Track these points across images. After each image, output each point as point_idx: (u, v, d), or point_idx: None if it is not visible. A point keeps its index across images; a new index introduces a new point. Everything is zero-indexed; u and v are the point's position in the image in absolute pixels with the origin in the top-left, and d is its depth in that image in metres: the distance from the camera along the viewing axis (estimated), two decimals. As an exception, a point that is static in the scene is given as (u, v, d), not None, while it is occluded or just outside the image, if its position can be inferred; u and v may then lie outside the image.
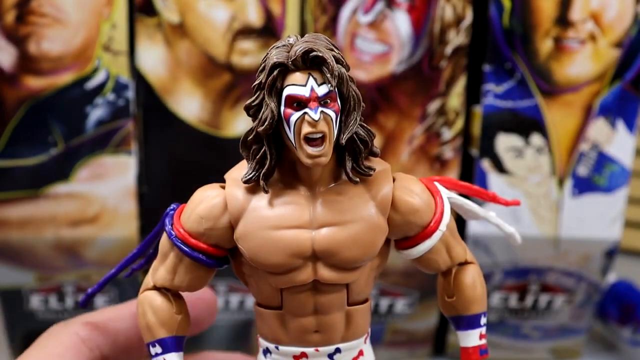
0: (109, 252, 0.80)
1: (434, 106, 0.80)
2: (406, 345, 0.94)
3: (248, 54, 0.77)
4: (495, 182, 0.81)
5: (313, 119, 0.48)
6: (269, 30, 0.77)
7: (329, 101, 0.49)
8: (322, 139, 0.49)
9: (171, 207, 0.55)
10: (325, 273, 0.51)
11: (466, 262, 0.57)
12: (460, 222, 0.82)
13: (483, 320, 0.56)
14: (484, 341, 0.56)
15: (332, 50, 0.49)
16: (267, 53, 0.50)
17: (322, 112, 0.48)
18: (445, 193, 0.55)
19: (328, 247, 0.50)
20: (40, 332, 0.87)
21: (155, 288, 0.56)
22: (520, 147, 0.81)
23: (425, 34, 0.78)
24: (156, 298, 0.55)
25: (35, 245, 0.80)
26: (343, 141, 0.50)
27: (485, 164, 0.81)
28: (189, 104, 0.78)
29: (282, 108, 0.49)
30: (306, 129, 0.48)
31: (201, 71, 0.78)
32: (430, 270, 0.56)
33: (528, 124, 0.80)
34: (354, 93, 0.50)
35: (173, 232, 0.54)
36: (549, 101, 0.80)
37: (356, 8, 0.78)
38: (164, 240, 0.55)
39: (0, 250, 0.81)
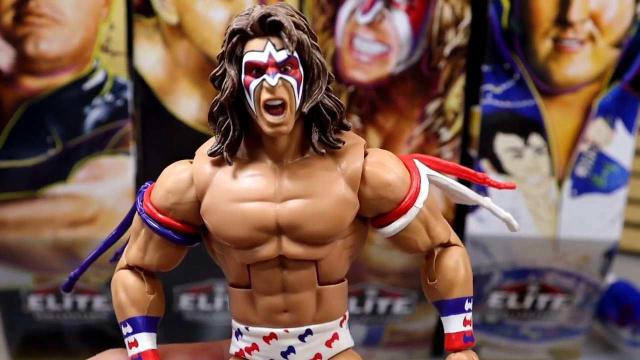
0: (107, 253, 0.80)
1: (432, 107, 0.80)
2: (405, 346, 0.94)
3: (246, 55, 0.77)
4: (494, 183, 0.81)
5: (271, 85, 0.47)
6: (268, 31, 0.77)
7: (289, 68, 0.48)
8: (283, 106, 0.48)
9: (144, 185, 0.55)
10: (291, 248, 0.50)
11: (450, 244, 0.55)
12: (458, 222, 0.82)
13: (468, 306, 0.54)
14: (468, 327, 0.54)
15: (292, 16, 0.48)
16: (230, 23, 0.49)
17: (280, 78, 0.48)
18: (424, 170, 0.54)
19: (292, 220, 0.50)
20: (38, 333, 0.88)
21: (128, 267, 0.55)
22: (519, 148, 0.81)
23: (423, 34, 0.78)
24: (128, 277, 0.55)
25: (33, 246, 0.80)
26: (306, 110, 0.49)
27: (484, 165, 0.81)
28: (187, 105, 0.78)
29: (243, 76, 0.48)
30: (265, 95, 0.48)
31: (199, 71, 0.78)
32: (410, 251, 0.54)
33: (527, 125, 0.80)
34: (317, 61, 0.49)
35: (143, 209, 0.53)
36: (548, 102, 0.80)
37: (355, 8, 0.77)
38: (135, 218, 0.55)
39: (-2, 251, 0.81)
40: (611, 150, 0.81)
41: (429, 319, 0.91)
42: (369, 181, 0.51)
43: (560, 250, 0.84)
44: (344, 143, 0.51)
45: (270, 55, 0.48)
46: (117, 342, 0.87)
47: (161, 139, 0.79)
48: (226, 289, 0.85)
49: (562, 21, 0.78)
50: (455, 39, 0.79)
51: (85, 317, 0.87)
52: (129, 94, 0.78)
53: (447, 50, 0.79)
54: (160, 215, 0.53)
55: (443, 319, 0.55)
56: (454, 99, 0.80)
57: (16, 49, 0.75)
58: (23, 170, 0.78)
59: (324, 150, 0.50)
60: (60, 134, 0.78)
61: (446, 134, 0.81)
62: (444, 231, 0.54)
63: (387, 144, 0.80)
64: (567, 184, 0.82)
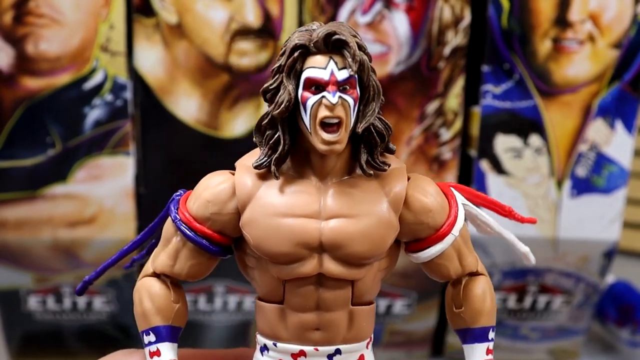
0: (106, 253, 0.80)
1: (432, 107, 0.80)
2: (404, 346, 0.94)
3: (246, 55, 0.77)
4: (494, 183, 0.81)
5: (331, 103, 0.47)
6: (267, 31, 0.77)
7: (348, 87, 0.48)
8: (339, 125, 0.48)
9: (177, 193, 0.54)
10: (331, 266, 0.50)
11: (477, 273, 0.55)
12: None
13: (491, 335, 0.55)
14: (490, 356, 0.55)
15: (355, 36, 0.49)
16: (289, 37, 0.49)
17: (340, 97, 0.48)
18: (460, 199, 0.54)
19: (336, 239, 0.49)
20: (38, 333, 0.88)
21: (154, 275, 0.55)
22: (518, 148, 0.81)
23: (423, 34, 0.78)
24: (154, 284, 0.54)
25: (33, 246, 0.80)
26: (360, 130, 0.49)
27: (484, 165, 0.81)
28: (187, 105, 0.78)
29: (300, 91, 0.48)
30: (323, 112, 0.48)
31: (199, 72, 0.78)
32: (440, 278, 0.55)
33: (527, 125, 0.80)
34: (374, 83, 0.49)
35: (178, 216, 0.53)
36: (547, 102, 0.80)
37: (354, 8, 0.77)
38: (167, 225, 0.54)
39: (-2, 251, 0.81)
40: (611, 150, 0.81)
41: (429, 319, 0.91)
42: (411, 205, 0.52)
43: (560, 251, 0.84)
44: (389, 166, 0.51)
45: (332, 73, 0.48)
46: (117, 342, 0.88)
47: (161, 139, 0.79)
48: (226, 289, 0.85)
49: (562, 21, 0.78)
50: (454, 39, 0.79)
51: (85, 317, 0.87)
52: (128, 94, 0.78)
53: (446, 50, 0.79)
54: (197, 224, 0.52)
55: (466, 346, 0.55)
56: (454, 99, 0.80)
57: (16, 49, 0.75)
58: (22, 170, 0.78)
59: (372, 172, 0.50)
60: (60, 134, 0.78)
61: (446, 134, 0.81)
62: (474, 260, 0.55)
63: (387, 144, 0.80)
64: (567, 184, 0.82)
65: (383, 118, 0.51)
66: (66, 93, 0.77)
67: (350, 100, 0.48)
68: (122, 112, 0.78)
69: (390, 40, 0.78)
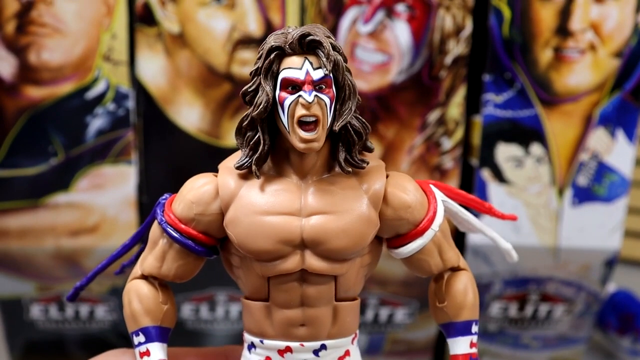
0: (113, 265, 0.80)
1: (433, 116, 0.80)
2: (406, 355, 0.94)
3: (248, 64, 0.77)
4: (495, 192, 0.81)
5: (307, 101, 0.49)
6: (269, 40, 0.77)
7: (323, 86, 0.50)
8: (316, 123, 0.49)
9: (163, 197, 0.56)
10: (314, 262, 0.51)
11: (459, 269, 0.57)
12: (459, 232, 0.82)
13: (474, 328, 0.56)
14: (474, 350, 0.56)
15: (329, 37, 0.50)
16: (266, 40, 0.51)
17: (316, 96, 0.49)
18: (439, 195, 0.56)
19: (317, 235, 0.51)
20: (40, 341, 0.88)
21: (142, 277, 0.56)
22: (520, 157, 0.81)
23: (425, 43, 0.78)
24: (143, 286, 0.56)
25: (35, 255, 0.80)
26: (337, 128, 0.50)
27: (485, 174, 0.81)
28: (189, 114, 0.78)
29: (278, 92, 0.50)
30: (300, 111, 0.49)
31: (201, 81, 0.78)
32: (422, 273, 0.56)
33: (528, 134, 0.80)
34: (349, 82, 0.51)
35: (164, 219, 0.54)
36: (548, 111, 0.80)
37: (356, 18, 0.78)
38: (154, 228, 0.56)
39: (1, 260, 0.81)
40: (612, 159, 0.81)
41: (430, 328, 0.91)
42: (390, 202, 0.53)
43: (561, 259, 0.84)
44: (367, 164, 0.52)
45: (307, 73, 0.49)
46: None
47: (163, 148, 0.80)
48: (228, 298, 0.85)
49: (563, 31, 0.78)
50: (456, 48, 0.79)
51: (87, 326, 0.87)
52: (130, 103, 0.78)
53: (448, 59, 0.79)
54: (182, 226, 0.54)
55: (450, 340, 0.56)
56: (455, 108, 0.80)
57: (18, 58, 0.76)
58: (25, 179, 0.78)
59: (350, 169, 0.52)
60: (62, 143, 0.78)
61: (447, 143, 0.81)
62: (455, 255, 0.56)
63: (388, 153, 0.80)
64: (568, 193, 0.82)
65: (360, 117, 0.52)
66: (68, 102, 0.77)
67: (327, 99, 0.50)
68: (125, 121, 0.78)
69: (392, 50, 0.78)
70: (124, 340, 0.88)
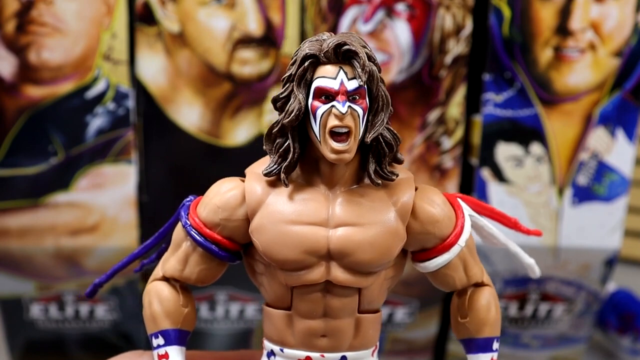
0: (108, 262, 0.80)
1: (433, 115, 0.80)
2: (406, 354, 0.94)
3: (248, 64, 0.77)
4: (495, 191, 0.81)
5: (340, 112, 0.48)
6: (269, 40, 0.77)
7: (357, 97, 0.49)
8: (348, 134, 0.49)
9: (188, 199, 0.55)
10: (339, 274, 0.51)
11: (482, 284, 0.56)
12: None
13: (495, 345, 0.55)
14: None
15: (364, 47, 0.49)
16: (300, 46, 0.50)
17: (349, 107, 0.48)
18: (467, 210, 0.55)
19: (343, 247, 0.50)
20: (40, 341, 0.87)
21: (164, 279, 0.56)
22: (520, 156, 0.81)
23: (425, 43, 0.78)
24: (164, 288, 0.55)
25: (35, 254, 0.80)
26: (368, 140, 0.50)
27: (485, 173, 0.81)
28: (189, 113, 0.78)
29: (310, 100, 0.49)
30: (332, 122, 0.48)
31: (201, 80, 0.78)
32: (446, 288, 0.56)
33: (528, 133, 0.80)
34: (383, 93, 0.50)
35: (188, 222, 0.54)
36: (548, 110, 0.80)
37: (356, 17, 0.78)
38: (178, 230, 0.55)
39: (1, 260, 0.81)
40: (612, 159, 0.81)
41: (430, 328, 0.91)
42: (418, 215, 0.52)
43: (561, 259, 0.84)
44: (397, 176, 0.52)
45: (341, 83, 0.48)
46: (119, 350, 0.87)
47: (163, 148, 0.79)
48: (228, 297, 0.85)
49: (563, 30, 0.78)
50: (456, 47, 0.79)
51: (87, 325, 0.87)
52: (130, 103, 0.78)
53: (448, 59, 0.79)
54: (206, 230, 0.53)
55: (470, 356, 0.56)
56: (455, 108, 0.80)
57: (18, 57, 0.76)
58: (25, 178, 0.78)
59: (380, 181, 0.51)
60: (62, 143, 0.78)
61: (447, 143, 0.81)
62: (479, 271, 0.56)
63: (388, 152, 0.80)
64: (568, 192, 0.82)
65: (392, 128, 0.51)
66: (68, 102, 0.77)
67: (360, 110, 0.49)
68: (125, 121, 0.78)
69: (392, 49, 0.78)
70: (124, 340, 0.88)
